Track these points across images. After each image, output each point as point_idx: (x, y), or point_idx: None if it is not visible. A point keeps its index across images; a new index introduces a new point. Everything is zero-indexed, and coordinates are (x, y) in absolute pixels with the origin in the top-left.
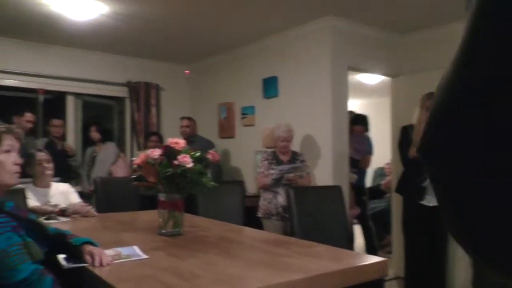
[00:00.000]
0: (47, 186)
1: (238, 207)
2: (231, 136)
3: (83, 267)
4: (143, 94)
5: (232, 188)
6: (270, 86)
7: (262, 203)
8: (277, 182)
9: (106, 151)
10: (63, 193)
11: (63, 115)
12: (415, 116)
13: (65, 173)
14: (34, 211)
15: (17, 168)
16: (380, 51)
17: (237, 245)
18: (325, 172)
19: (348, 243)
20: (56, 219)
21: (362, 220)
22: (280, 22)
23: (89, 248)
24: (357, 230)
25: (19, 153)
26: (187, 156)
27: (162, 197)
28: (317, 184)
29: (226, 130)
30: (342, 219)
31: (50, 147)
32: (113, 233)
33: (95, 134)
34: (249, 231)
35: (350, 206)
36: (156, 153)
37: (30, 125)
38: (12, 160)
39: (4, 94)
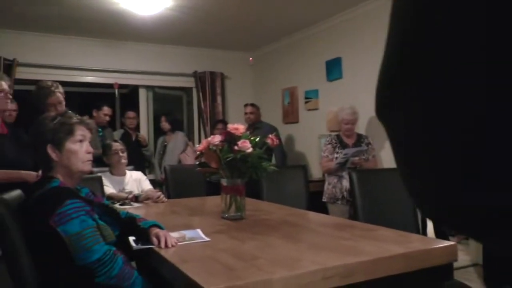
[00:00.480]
0: (123, 174)
1: (302, 192)
2: (295, 121)
3: (151, 248)
4: (209, 83)
5: (296, 173)
6: (333, 68)
7: (327, 187)
8: (342, 166)
9: (176, 140)
10: (136, 181)
11: (136, 107)
12: None
13: (139, 162)
14: (110, 197)
15: (90, 157)
16: None
17: (298, 229)
18: (392, 155)
19: (415, 227)
20: (130, 205)
21: None
22: (342, 0)
23: (155, 230)
24: None
25: (94, 143)
26: (247, 141)
27: (224, 182)
28: (384, 167)
29: (290, 115)
30: (409, 203)
31: (125, 138)
32: (180, 217)
33: (165, 125)
34: (312, 215)
35: None
36: (216, 139)
37: (107, 118)
38: (84, 149)
39: (84, 90)
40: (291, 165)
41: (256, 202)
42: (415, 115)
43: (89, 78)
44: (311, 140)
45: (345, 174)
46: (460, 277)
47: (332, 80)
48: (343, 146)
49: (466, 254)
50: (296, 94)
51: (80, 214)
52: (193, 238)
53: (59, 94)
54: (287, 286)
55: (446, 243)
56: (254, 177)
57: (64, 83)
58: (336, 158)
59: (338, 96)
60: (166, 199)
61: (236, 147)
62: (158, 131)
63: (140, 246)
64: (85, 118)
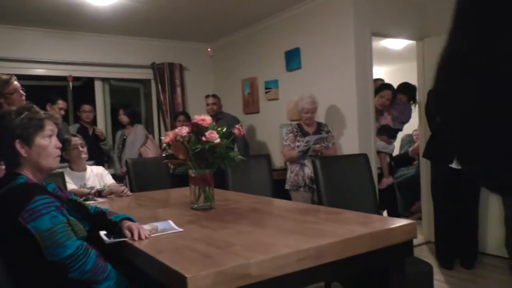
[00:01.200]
0: (83, 169)
1: (266, 180)
2: (256, 111)
3: (124, 241)
4: (167, 75)
5: (259, 162)
6: (292, 59)
7: (290, 175)
8: (304, 154)
9: (135, 134)
10: (98, 176)
11: (92, 100)
12: None
13: (98, 157)
14: (73, 193)
15: (58, 152)
16: (405, 12)
17: (267, 215)
18: (351, 141)
19: (376, 210)
20: (94, 200)
21: (388, 188)
22: None
23: (127, 223)
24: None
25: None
26: (214, 132)
27: (192, 173)
28: (343, 154)
29: (251, 105)
30: (370, 187)
31: (82, 132)
32: (148, 210)
33: (123, 118)
34: (278, 202)
35: (385, 175)
36: (184, 130)
37: (62, 112)
38: (53, 144)
39: (36, 83)
40: (254, 154)
41: (223, 192)
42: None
43: (42, 70)
44: (272, 130)
45: (307, 162)
46: (416, 254)
47: (291, 70)
48: (304, 134)
49: (420, 234)
50: (256, 85)
51: (50, 210)
52: (165, 229)
53: (16, 83)
54: (264, 269)
55: (406, 221)
56: (223, 167)
57: (16, 77)
58: (298, 146)
59: (297, 86)
60: (130, 193)
61: (204, 138)
62: (116, 125)
63: (112, 240)
64: (52, 112)
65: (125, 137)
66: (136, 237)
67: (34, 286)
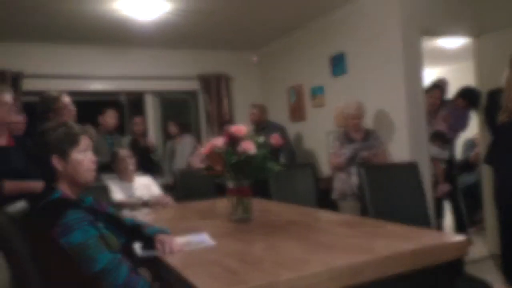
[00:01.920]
0: (131, 180)
1: (311, 190)
2: (303, 119)
3: (155, 255)
4: (214, 85)
5: (304, 171)
6: (338, 64)
7: (337, 184)
8: (351, 161)
9: (184, 144)
10: (145, 186)
11: (143, 113)
12: (504, 78)
13: (149, 168)
14: (120, 204)
15: (94, 166)
16: (458, 7)
17: (307, 228)
18: (401, 148)
19: (427, 220)
20: (139, 210)
21: (451, 196)
22: None
23: (160, 237)
24: (447, 207)
25: (102, 150)
26: (250, 142)
27: (230, 184)
28: (394, 161)
29: (297, 113)
30: (420, 196)
31: (134, 144)
32: (188, 221)
33: (172, 129)
34: (321, 213)
35: (440, 182)
36: (220, 141)
37: (113, 121)
38: (89, 158)
39: (91, 99)
40: (299, 163)
41: (264, 203)
42: None
43: (95, 86)
44: (319, 137)
45: (354, 170)
46: (477, 270)
47: (337, 75)
48: (351, 141)
49: (484, 246)
50: (302, 92)
51: (82, 225)
52: (199, 242)
53: (65, 99)
54: (295, 286)
55: (455, 238)
56: (260, 178)
57: (70, 93)
58: (345, 154)
59: (343, 91)
60: (174, 203)
61: (239, 149)
62: (166, 136)
63: (145, 254)
64: (87, 127)
65: (174, 148)
66: (166, 250)
67: None
